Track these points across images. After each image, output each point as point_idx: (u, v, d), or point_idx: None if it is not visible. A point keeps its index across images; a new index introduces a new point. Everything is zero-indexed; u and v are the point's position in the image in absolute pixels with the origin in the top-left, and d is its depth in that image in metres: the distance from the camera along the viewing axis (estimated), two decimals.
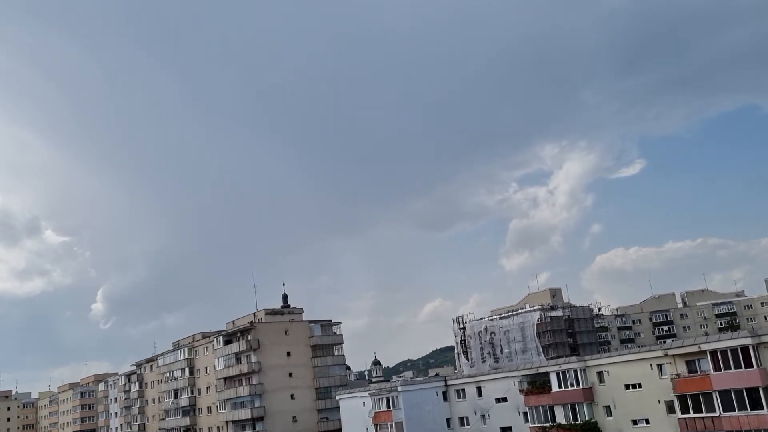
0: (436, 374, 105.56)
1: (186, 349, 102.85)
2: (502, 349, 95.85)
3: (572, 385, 57.94)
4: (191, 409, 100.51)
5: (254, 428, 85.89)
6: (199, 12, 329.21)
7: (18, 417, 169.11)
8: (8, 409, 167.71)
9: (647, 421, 53.16)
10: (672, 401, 50.76)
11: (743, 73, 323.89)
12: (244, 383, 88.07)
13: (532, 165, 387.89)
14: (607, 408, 56.10)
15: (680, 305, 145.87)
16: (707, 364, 48.73)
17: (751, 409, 46.31)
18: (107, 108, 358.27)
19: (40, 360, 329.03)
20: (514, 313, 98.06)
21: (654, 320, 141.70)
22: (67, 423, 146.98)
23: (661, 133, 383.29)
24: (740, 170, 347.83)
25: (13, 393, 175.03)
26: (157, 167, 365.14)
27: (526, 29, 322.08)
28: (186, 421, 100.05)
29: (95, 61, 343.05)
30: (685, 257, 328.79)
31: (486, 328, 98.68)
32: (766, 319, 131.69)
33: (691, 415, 49.20)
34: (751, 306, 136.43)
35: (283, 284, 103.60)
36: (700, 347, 49.16)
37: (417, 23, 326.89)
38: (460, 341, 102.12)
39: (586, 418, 56.71)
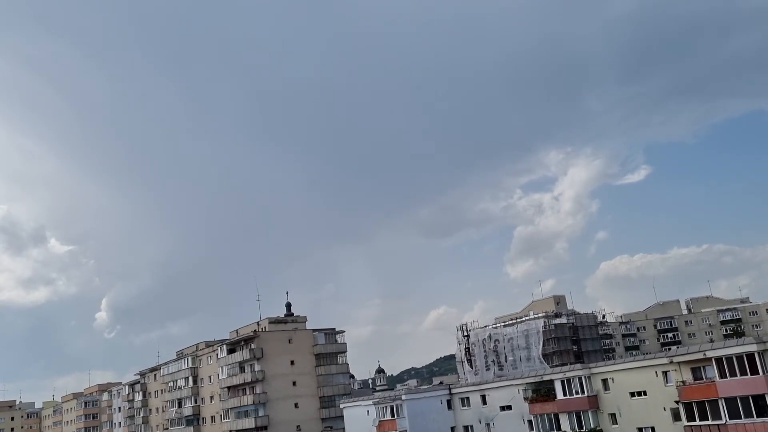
0: (440, 382, 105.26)
1: (190, 359, 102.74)
2: (506, 356, 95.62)
3: (577, 393, 57.71)
4: (195, 419, 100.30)
5: None
6: (204, 24, 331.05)
7: (22, 427, 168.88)
8: (12, 419, 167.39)
9: (653, 429, 52.88)
10: (677, 409, 50.49)
11: (749, 78, 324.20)
12: (247, 392, 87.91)
13: (537, 171, 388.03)
14: (613, 416, 55.84)
15: (685, 312, 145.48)
16: (713, 371, 48.49)
17: (757, 416, 45.98)
18: (112, 118, 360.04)
19: (44, 369, 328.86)
20: (518, 320, 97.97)
21: (659, 327, 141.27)
22: None
23: (666, 140, 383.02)
24: (746, 176, 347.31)
25: (17, 403, 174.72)
26: (162, 177, 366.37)
27: (531, 36, 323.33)
28: (190, 430, 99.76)
29: (100, 72, 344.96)
30: (691, 264, 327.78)
31: (490, 336, 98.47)
32: None
33: (697, 422, 48.90)
34: (756, 312, 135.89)
35: (287, 293, 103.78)
36: (705, 354, 48.92)
37: (421, 30, 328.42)
38: (464, 349, 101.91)
39: (592, 426, 56.45)
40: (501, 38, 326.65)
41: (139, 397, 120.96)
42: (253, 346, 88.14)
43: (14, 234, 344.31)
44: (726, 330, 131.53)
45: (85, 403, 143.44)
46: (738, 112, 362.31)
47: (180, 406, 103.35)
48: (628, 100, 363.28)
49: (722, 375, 47.69)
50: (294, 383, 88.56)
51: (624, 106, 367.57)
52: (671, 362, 51.46)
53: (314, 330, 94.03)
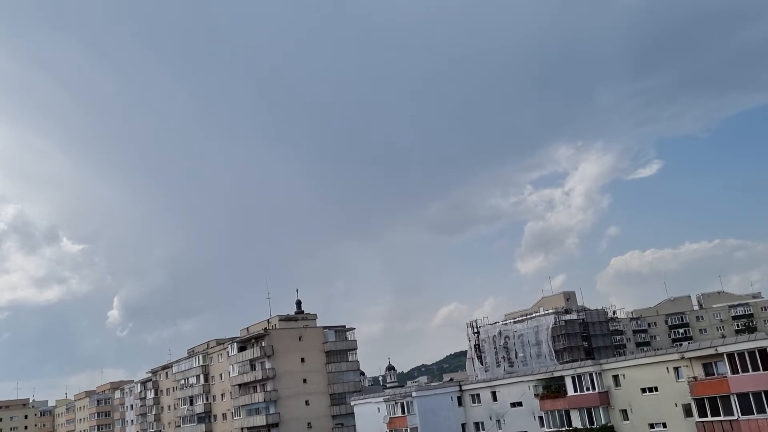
0: (451, 379, 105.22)
1: (201, 356, 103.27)
2: (516, 353, 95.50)
3: (588, 389, 57.56)
4: (206, 416, 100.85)
5: None
6: (213, 23, 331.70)
7: (35, 425, 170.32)
8: (25, 417, 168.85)
9: (664, 425, 52.69)
10: (689, 404, 50.29)
11: (761, 70, 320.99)
12: (258, 390, 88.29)
13: (547, 167, 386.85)
14: (624, 412, 55.68)
15: (696, 307, 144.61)
16: (725, 367, 48.24)
17: None
18: (123, 118, 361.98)
19: (57, 368, 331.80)
20: (529, 317, 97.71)
21: (670, 323, 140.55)
22: (84, 430, 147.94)
23: (678, 133, 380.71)
24: (759, 169, 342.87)
25: (31, 401, 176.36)
26: (172, 175, 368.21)
27: (540, 31, 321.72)
28: (201, 427, 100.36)
29: (111, 72, 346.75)
30: (702, 259, 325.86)
31: (500, 333, 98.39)
32: None
33: (709, 418, 48.71)
34: None
35: (297, 290, 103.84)
36: (717, 350, 48.70)
37: (429, 26, 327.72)
38: (474, 346, 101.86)
39: (603, 423, 56.29)
40: (510, 32, 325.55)
41: (151, 394, 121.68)
42: (263, 343, 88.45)
43: (27, 233, 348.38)
44: (738, 325, 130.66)
45: (98, 401, 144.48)
46: (750, 104, 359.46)
47: (192, 403, 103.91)
48: (638, 94, 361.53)
49: (734, 370, 47.44)
50: (305, 380, 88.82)
51: (635, 99, 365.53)
52: (682, 358, 51.26)
53: (324, 327, 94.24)
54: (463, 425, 69.35)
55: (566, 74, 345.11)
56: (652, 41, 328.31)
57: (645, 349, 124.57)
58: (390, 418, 70.14)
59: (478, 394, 68.80)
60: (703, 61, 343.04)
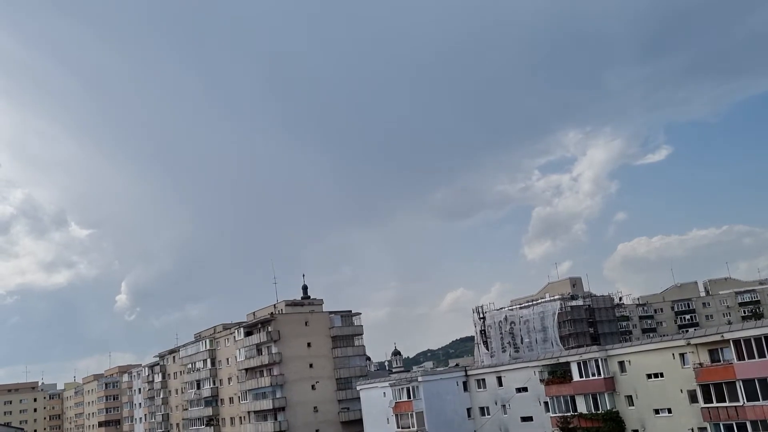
0: (457, 364, 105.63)
1: (207, 341, 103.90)
2: (522, 338, 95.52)
3: (593, 375, 57.70)
4: (213, 400, 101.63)
5: (276, 418, 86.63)
6: (223, 8, 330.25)
7: (44, 408, 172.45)
8: (35, 400, 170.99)
9: (669, 411, 52.82)
10: (695, 391, 50.38)
11: None
12: (265, 374, 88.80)
13: (555, 152, 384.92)
14: (629, 398, 55.83)
15: (703, 294, 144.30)
16: (730, 353, 48.27)
17: None
18: (131, 103, 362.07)
19: (65, 351, 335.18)
20: (535, 302, 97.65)
21: (676, 309, 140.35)
22: (92, 413, 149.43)
23: (687, 119, 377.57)
24: None
25: (40, 384, 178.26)
26: (180, 161, 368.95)
27: (548, 14, 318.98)
28: (209, 411, 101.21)
29: (119, 57, 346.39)
30: (710, 245, 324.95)
31: (506, 318, 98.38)
32: None
33: (715, 404, 48.80)
34: None
35: (303, 275, 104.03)
36: (723, 336, 48.71)
37: (436, 11, 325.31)
38: (480, 331, 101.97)
39: (608, 408, 56.49)
40: (517, 16, 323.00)
41: (158, 378, 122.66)
42: (270, 328, 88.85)
43: (36, 218, 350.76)
44: (744, 312, 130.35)
45: (106, 384, 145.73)
46: (760, 89, 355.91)
47: (199, 387, 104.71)
48: (648, 79, 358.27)
49: (740, 357, 47.47)
50: (311, 365, 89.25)
51: (644, 84, 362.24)
52: (688, 344, 51.30)
53: (331, 312, 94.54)
54: (468, 410, 69.78)
55: (575, 58, 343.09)
56: (661, 25, 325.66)
57: (651, 335, 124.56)
58: (396, 402, 70.55)
59: (483, 380, 69.09)
60: (713, 46, 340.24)
